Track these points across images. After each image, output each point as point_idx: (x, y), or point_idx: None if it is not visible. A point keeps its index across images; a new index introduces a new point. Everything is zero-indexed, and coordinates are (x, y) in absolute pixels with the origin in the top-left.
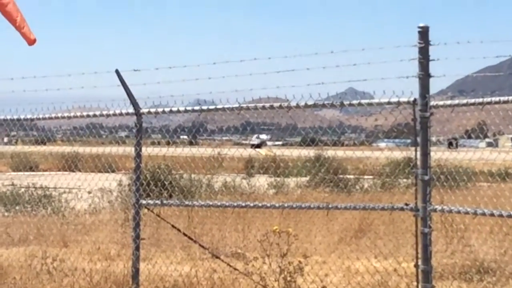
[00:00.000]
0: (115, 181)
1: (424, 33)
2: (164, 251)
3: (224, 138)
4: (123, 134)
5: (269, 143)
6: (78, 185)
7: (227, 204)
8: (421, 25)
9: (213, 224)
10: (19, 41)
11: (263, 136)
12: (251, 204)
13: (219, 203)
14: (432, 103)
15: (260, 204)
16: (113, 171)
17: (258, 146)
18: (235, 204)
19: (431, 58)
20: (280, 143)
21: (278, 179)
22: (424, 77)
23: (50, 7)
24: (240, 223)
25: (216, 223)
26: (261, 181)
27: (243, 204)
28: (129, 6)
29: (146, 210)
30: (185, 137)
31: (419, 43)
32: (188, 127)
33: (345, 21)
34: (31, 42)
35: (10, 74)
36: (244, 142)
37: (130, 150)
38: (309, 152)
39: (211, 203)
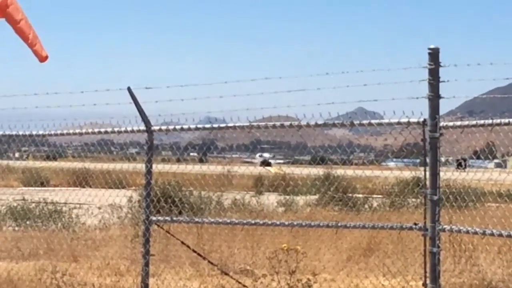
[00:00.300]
0: (125, 197)
1: (434, 54)
2: (173, 267)
3: (234, 155)
4: (133, 150)
5: (272, 161)
6: (88, 200)
7: (236, 221)
8: (432, 46)
9: (222, 241)
10: (32, 58)
11: (266, 155)
12: (261, 222)
13: (228, 220)
14: (442, 123)
15: (269, 222)
16: (123, 187)
17: (268, 164)
18: (245, 221)
19: (441, 79)
20: (282, 161)
21: (288, 197)
22: (434, 98)
23: (63, 24)
24: (249, 240)
25: (225, 240)
26: (271, 199)
27: (253, 222)
28: (142, 24)
29: (155, 227)
30: (195, 154)
31: (429, 64)
32: (198, 144)
33: (357, 42)
34: (43, 59)
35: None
36: (247, 160)
37: (140, 166)
38: (318, 171)
39: (220, 220)
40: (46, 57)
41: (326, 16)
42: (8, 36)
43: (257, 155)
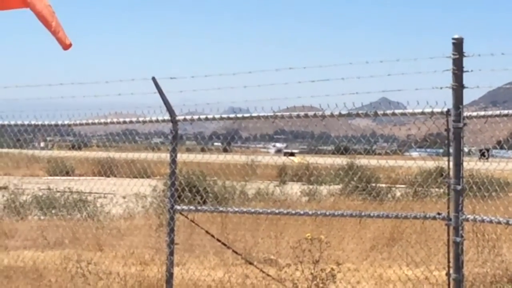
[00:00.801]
0: (149, 186)
1: (458, 44)
2: (197, 256)
3: (258, 145)
4: (158, 140)
5: (285, 151)
6: (113, 190)
7: (260, 211)
8: (456, 36)
9: (247, 230)
10: (57, 48)
11: (279, 145)
12: (285, 211)
13: (252, 210)
14: (465, 113)
15: (293, 212)
16: (148, 177)
17: (292, 154)
18: (269, 211)
19: (465, 69)
20: (296, 151)
21: (311, 186)
22: (458, 88)
23: (88, 14)
24: (273, 229)
25: (249, 230)
26: (294, 188)
27: (277, 211)
28: (166, 14)
29: (180, 216)
30: (219, 144)
31: (453, 54)
32: (222, 134)
33: (380, 32)
34: (67, 46)
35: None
36: (262, 150)
37: (165, 156)
38: (342, 161)
39: (245, 209)
40: (70, 45)
41: (351, 7)
42: (33, 27)
43: (271, 145)
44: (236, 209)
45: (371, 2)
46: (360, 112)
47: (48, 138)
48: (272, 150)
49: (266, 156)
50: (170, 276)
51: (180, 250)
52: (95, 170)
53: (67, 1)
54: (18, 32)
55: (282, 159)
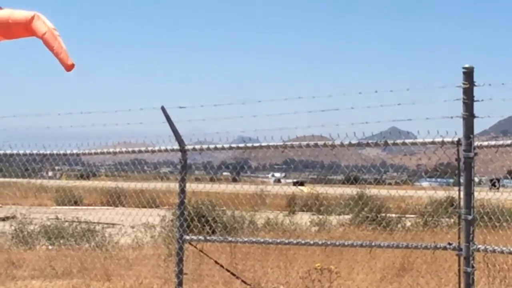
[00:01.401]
0: (158, 216)
1: (469, 73)
2: (206, 286)
3: (277, 174)
4: (166, 170)
5: (282, 180)
6: (121, 219)
7: (270, 240)
8: (466, 66)
9: (256, 260)
10: (67, 77)
11: (277, 174)
12: (294, 241)
13: (262, 240)
14: (476, 143)
15: (303, 241)
16: (157, 207)
17: (301, 183)
18: (278, 241)
19: (475, 98)
20: (294, 180)
21: (321, 216)
22: (468, 117)
23: (96, 43)
24: (282, 259)
25: (258, 260)
26: (304, 218)
27: (286, 241)
28: (176, 42)
29: (189, 245)
30: (228, 173)
31: (464, 83)
32: (231, 163)
33: (391, 61)
34: (69, 67)
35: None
36: (263, 180)
37: (174, 185)
38: (352, 190)
39: (254, 239)
40: (72, 65)
41: (360, 35)
42: (42, 56)
43: (270, 174)
44: (246, 239)
45: (381, 31)
46: (370, 141)
47: (56, 168)
48: (271, 180)
49: (275, 186)
50: None
51: (189, 280)
52: (104, 199)
53: (76, 29)
54: (27, 61)
55: (291, 189)
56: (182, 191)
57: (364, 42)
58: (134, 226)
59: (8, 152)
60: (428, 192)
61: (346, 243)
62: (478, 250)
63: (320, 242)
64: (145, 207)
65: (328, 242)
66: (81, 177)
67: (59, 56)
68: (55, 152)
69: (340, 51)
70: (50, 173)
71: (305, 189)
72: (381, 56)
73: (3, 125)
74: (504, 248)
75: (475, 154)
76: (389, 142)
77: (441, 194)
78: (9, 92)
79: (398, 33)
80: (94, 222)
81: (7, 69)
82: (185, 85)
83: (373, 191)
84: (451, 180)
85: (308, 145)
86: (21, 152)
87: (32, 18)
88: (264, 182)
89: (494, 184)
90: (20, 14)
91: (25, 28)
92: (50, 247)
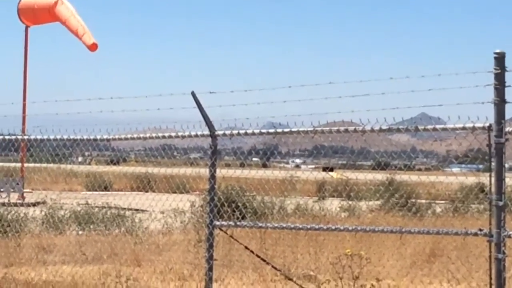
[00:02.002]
0: (188, 201)
1: (500, 59)
2: (236, 272)
3: (297, 160)
4: (196, 155)
5: (303, 166)
6: (151, 205)
7: (300, 226)
8: (498, 51)
9: (286, 246)
10: (97, 62)
11: (297, 160)
12: (324, 227)
13: (292, 226)
14: (508, 128)
15: (333, 227)
16: (187, 192)
17: (331, 169)
18: (308, 226)
19: (507, 84)
20: (313, 166)
21: (350, 202)
22: (500, 103)
23: (127, 29)
24: (312, 245)
25: (288, 245)
26: (334, 204)
27: (316, 227)
28: (205, 28)
29: (219, 231)
30: (258, 159)
31: (495, 69)
32: (261, 149)
33: (421, 47)
34: (92, 47)
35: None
36: (280, 165)
37: (204, 171)
38: (382, 176)
39: (284, 225)
40: (95, 45)
41: (391, 21)
42: (71, 42)
43: (290, 160)
44: (276, 225)
45: (412, 17)
46: (400, 127)
47: (86, 153)
48: (291, 165)
49: (306, 172)
50: None
51: (219, 266)
52: (134, 185)
53: (105, 16)
54: (57, 47)
55: (321, 175)
56: (212, 176)
57: (394, 27)
58: (163, 212)
59: (39, 137)
60: (458, 178)
61: (376, 229)
62: (509, 236)
63: (350, 228)
64: (175, 192)
65: (358, 228)
66: (111, 162)
67: (82, 38)
68: (85, 137)
69: (371, 37)
70: (80, 159)
71: (335, 175)
72: (411, 41)
73: (34, 110)
74: None
75: (507, 139)
76: (419, 127)
77: (471, 180)
78: (39, 78)
79: (429, 18)
80: (124, 208)
81: (37, 55)
82: (215, 70)
83: (403, 177)
84: (481, 166)
85: (338, 131)
86: (51, 137)
87: (56, 3)
88: (285, 168)
89: None
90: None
91: (49, 13)
92: (80, 232)
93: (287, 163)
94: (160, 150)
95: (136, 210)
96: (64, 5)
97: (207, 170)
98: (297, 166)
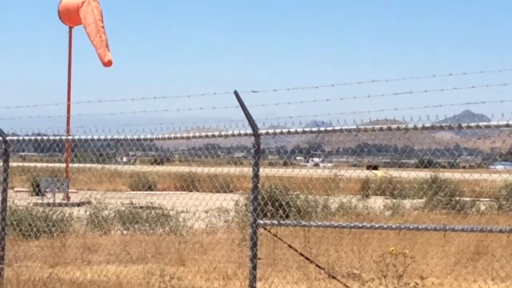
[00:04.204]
0: (232, 201)
1: None
2: (280, 271)
3: (341, 159)
4: (240, 154)
5: (321, 164)
6: (195, 204)
7: (344, 224)
8: None
9: (330, 244)
10: (141, 62)
11: (316, 159)
12: (368, 225)
13: (336, 224)
14: None
15: (377, 225)
16: (231, 191)
17: (375, 167)
18: (352, 225)
19: None
20: (331, 164)
21: (394, 200)
22: None
23: (169, 29)
24: (356, 243)
25: (332, 244)
26: (378, 202)
27: (360, 225)
28: (248, 26)
29: (262, 230)
30: (302, 158)
31: None
32: (304, 148)
33: (464, 44)
34: (105, 64)
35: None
36: (301, 164)
37: (247, 170)
38: (426, 174)
39: (328, 223)
40: (109, 62)
41: (433, 20)
42: (116, 41)
43: (310, 159)
44: (319, 223)
45: (455, 15)
46: (444, 124)
47: (130, 153)
48: (310, 164)
49: (349, 170)
50: None
51: (263, 265)
52: (178, 184)
53: (149, 14)
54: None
55: (365, 173)
56: (256, 175)
57: (437, 23)
58: (207, 211)
59: (83, 137)
60: (502, 175)
61: (420, 227)
62: None
63: (394, 226)
64: (218, 191)
65: (402, 226)
66: (155, 162)
67: (97, 51)
68: (129, 137)
69: (413, 33)
70: (124, 159)
71: (379, 173)
72: (455, 38)
73: (78, 110)
74: None
75: None
76: (463, 125)
77: None
78: (83, 78)
79: (471, 16)
80: (168, 207)
81: (81, 55)
82: (258, 69)
83: (446, 174)
84: None
85: (381, 129)
86: (95, 137)
87: (83, 3)
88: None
89: None
90: (75, 0)
91: (78, 15)
92: (124, 232)
93: (307, 161)
94: (204, 150)
95: (182, 208)
96: (90, 7)
97: (251, 169)
98: (316, 164)
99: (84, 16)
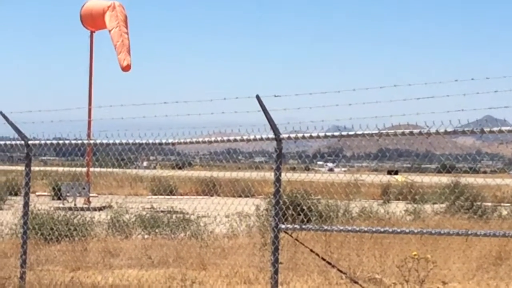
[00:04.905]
0: (253, 205)
1: None
2: (301, 275)
3: (360, 164)
4: (262, 159)
5: (336, 169)
6: (216, 209)
7: (365, 229)
8: None
9: (351, 249)
10: (163, 67)
11: (330, 164)
12: (390, 230)
13: (357, 228)
14: None
15: (398, 230)
16: (252, 196)
17: (396, 172)
18: (374, 229)
19: None
20: (345, 169)
21: (415, 205)
22: None
23: (192, 33)
24: (377, 248)
25: (354, 248)
26: (399, 207)
27: (382, 230)
28: (269, 32)
29: (283, 234)
30: (322, 163)
31: None
32: (325, 152)
33: (486, 49)
34: (123, 68)
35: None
36: (315, 168)
37: (269, 175)
38: (448, 179)
39: (349, 228)
40: (127, 67)
41: (455, 24)
42: (137, 45)
43: (324, 164)
44: (341, 228)
45: (479, 20)
46: (466, 129)
47: (151, 158)
48: (325, 169)
49: (366, 174)
50: None
51: (284, 269)
52: (199, 189)
53: (170, 20)
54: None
55: (386, 178)
56: (278, 180)
57: (460, 28)
58: (228, 216)
59: (105, 141)
60: None
61: (442, 232)
62: None
63: (416, 231)
64: (240, 196)
65: (424, 231)
66: (176, 166)
67: (118, 55)
68: (150, 141)
69: (436, 38)
70: (145, 163)
71: (399, 178)
72: (476, 44)
73: (100, 115)
74: None
75: None
76: (485, 129)
77: None
78: (105, 83)
79: (493, 20)
80: (188, 212)
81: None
82: (280, 74)
83: (468, 179)
84: None
85: (403, 133)
86: (117, 141)
87: (108, 7)
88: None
89: None
90: (100, 4)
91: (103, 19)
92: (146, 236)
93: (322, 166)
94: (225, 154)
95: (203, 212)
96: (115, 11)
97: (272, 173)
98: (331, 169)
99: (109, 21)
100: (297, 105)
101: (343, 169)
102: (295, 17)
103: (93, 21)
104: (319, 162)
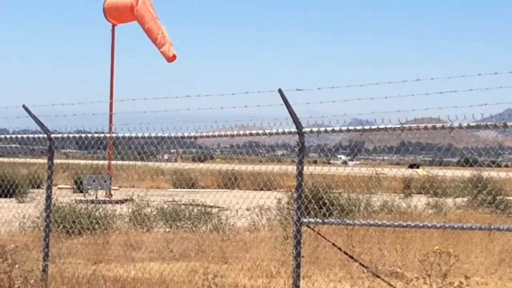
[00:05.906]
0: (274, 198)
1: None
2: (323, 269)
3: (385, 158)
4: (282, 152)
5: (350, 163)
6: (237, 202)
7: (387, 223)
8: None
9: (373, 243)
10: (184, 61)
11: (343, 157)
12: (412, 224)
13: (379, 222)
14: None
15: (421, 224)
16: (274, 189)
17: (417, 166)
18: (396, 223)
19: None
20: (357, 162)
21: (437, 199)
22: None
23: (216, 27)
24: (399, 242)
25: (375, 242)
26: (421, 201)
27: (404, 224)
28: (292, 26)
29: (305, 228)
30: (342, 156)
31: None
32: (347, 146)
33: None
34: (170, 59)
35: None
36: (331, 161)
37: (292, 168)
38: (470, 173)
39: (371, 222)
40: (174, 57)
41: (477, 18)
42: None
43: (338, 156)
44: (363, 222)
45: (503, 14)
46: (489, 123)
47: (172, 151)
48: (339, 162)
49: (393, 168)
50: None
51: (306, 263)
52: (220, 182)
53: (194, 14)
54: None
55: (408, 172)
56: (300, 173)
57: (484, 22)
58: (249, 209)
59: (127, 135)
60: None
61: (464, 226)
62: None
63: (438, 225)
64: (261, 189)
65: (447, 225)
66: (199, 159)
67: (161, 48)
68: (172, 135)
69: (459, 32)
70: (166, 156)
71: (421, 171)
72: (500, 37)
73: (122, 108)
74: None
75: None
76: (508, 124)
77: None
78: (128, 76)
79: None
80: (210, 205)
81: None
82: (303, 68)
83: (491, 173)
84: None
85: (425, 127)
86: (139, 135)
87: (137, 2)
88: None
89: None
90: None
91: (131, 11)
92: (167, 229)
93: (337, 159)
94: (247, 148)
95: (224, 205)
96: (145, 5)
97: (294, 167)
98: (345, 162)
99: (142, 15)
100: (319, 99)
101: (357, 162)
102: (317, 10)
103: (119, 14)
104: (340, 156)
